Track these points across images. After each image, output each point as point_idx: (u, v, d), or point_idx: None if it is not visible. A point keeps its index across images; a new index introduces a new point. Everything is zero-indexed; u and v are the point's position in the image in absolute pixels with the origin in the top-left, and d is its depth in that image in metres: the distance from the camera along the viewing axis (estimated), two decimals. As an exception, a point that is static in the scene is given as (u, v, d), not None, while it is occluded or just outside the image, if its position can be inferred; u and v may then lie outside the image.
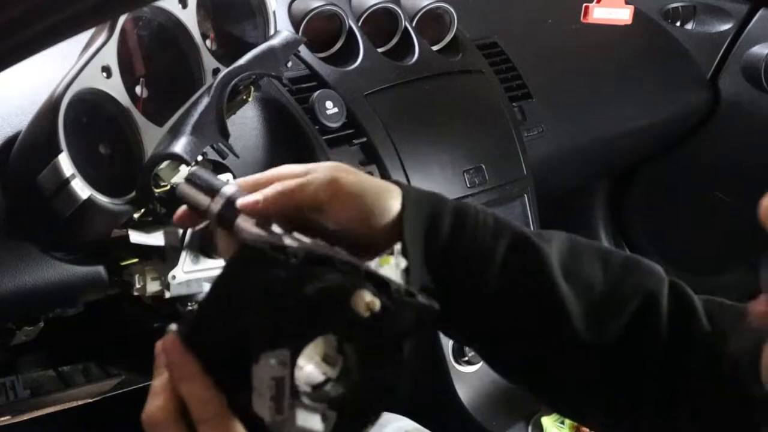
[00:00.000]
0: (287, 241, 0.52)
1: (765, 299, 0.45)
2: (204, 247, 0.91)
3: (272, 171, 0.61)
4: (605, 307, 0.59)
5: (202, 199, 0.60)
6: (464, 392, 1.24)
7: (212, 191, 0.60)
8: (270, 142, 1.09)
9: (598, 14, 1.36)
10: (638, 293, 0.60)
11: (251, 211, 0.58)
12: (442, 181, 1.22)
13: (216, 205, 0.60)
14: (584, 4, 1.35)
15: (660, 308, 0.60)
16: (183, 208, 0.63)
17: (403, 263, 0.53)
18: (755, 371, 0.51)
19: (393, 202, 0.58)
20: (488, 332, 0.61)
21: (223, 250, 0.63)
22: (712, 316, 0.61)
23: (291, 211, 0.58)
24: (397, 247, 0.54)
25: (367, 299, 0.44)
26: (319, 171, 0.59)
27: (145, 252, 0.92)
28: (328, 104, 1.14)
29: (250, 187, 0.60)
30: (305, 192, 0.57)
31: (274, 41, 0.94)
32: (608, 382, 0.60)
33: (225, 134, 0.88)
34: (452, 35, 1.35)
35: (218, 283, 0.47)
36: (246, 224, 0.58)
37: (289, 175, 0.60)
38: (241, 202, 0.58)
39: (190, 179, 0.61)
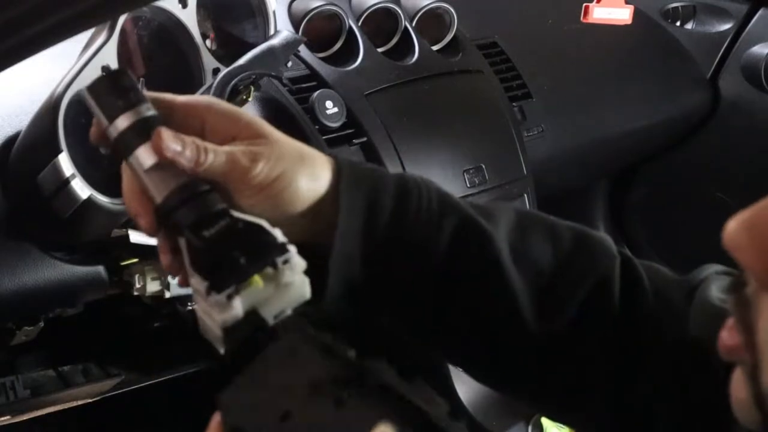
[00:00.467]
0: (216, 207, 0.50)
1: (729, 329, 0.41)
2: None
3: (198, 105, 0.55)
4: (556, 294, 0.58)
5: (107, 110, 0.52)
6: (464, 392, 1.24)
7: (126, 104, 0.52)
8: (270, 142, 1.09)
9: (598, 14, 1.36)
10: (590, 276, 0.58)
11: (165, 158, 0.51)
12: (442, 180, 1.22)
13: (125, 121, 0.52)
14: (584, 4, 1.35)
15: (612, 291, 0.58)
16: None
17: (300, 266, 0.49)
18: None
19: (317, 182, 0.54)
20: (438, 328, 0.59)
21: (125, 187, 0.54)
22: (657, 289, 0.60)
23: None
24: (292, 248, 0.49)
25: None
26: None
27: (145, 252, 0.92)
28: (328, 104, 1.14)
29: (166, 111, 0.54)
30: (205, 166, 0.52)
31: (274, 41, 0.94)
32: (562, 370, 0.58)
33: (225, 134, 0.87)
34: (452, 35, 1.35)
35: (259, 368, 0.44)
36: (147, 158, 0.51)
37: (219, 123, 0.54)
38: (165, 143, 0.51)
39: (100, 83, 0.53)
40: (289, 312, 0.49)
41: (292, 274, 0.48)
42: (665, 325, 0.58)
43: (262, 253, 0.48)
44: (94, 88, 0.53)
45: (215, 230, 0.49)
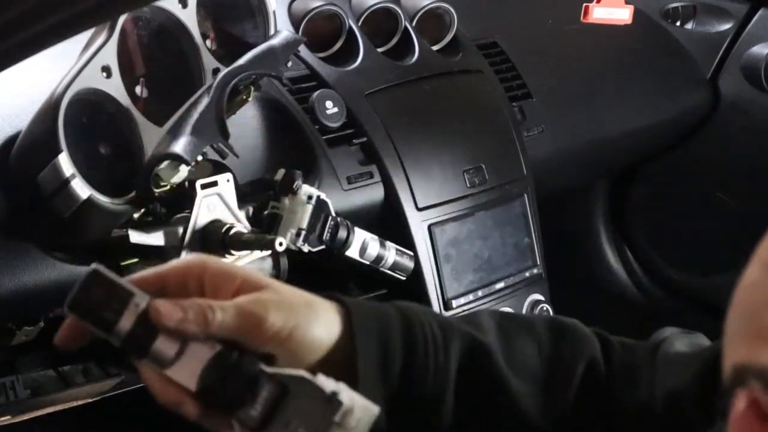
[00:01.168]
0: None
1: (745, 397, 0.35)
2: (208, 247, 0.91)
3: (191, 268, 0.52)
4: (554, 388, 0.59)
5: (100, 323, 0.49)
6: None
7: (119, 301, 0.49)
8: (270, 142, 1.09)
9: (598, 14, 1.35)
10: (579, 362, 0.60)
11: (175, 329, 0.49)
12: (442, 181, 1.22)
13: (127, 322, 0.49)
14: (584, 4, 1.35)
15: (600, 369, 0.60)
16: (67, 324, 0.52)
17: (357, 403, 0.47)
18: (705, 412, 0.51)
19: (330, 330, 0.53)
20: None
21: (152, 384, 0.52)
22: (623, 362, 0.61)
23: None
24: (343, 391, 0.47)
25: None
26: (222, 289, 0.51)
27: (145, 252, 0.92)
28: (328, 104, 1.14)
29: (159, 286, 0.51)
30: (216, 324, 0.49)
31: (274, 41, 0.94)
32: None
33: (225, 134, 0.88)
34: (452, 35, 1.35)
35: None
36: (167, 350, 0.49)
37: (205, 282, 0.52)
38: (165, 314, 0.48)
39: (79, 296, 0.50)
40: None
41: (354, 418, 0.46)
42: (637, 387, 0.60)
43: (321, 418, 0.46)
44: (74, 304, 0.50)
45: (263, 404, 0.47)
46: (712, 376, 0.53)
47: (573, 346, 0.60)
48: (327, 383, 0.47)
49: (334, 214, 0.96)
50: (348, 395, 0.47)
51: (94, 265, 0.50)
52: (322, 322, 0.53)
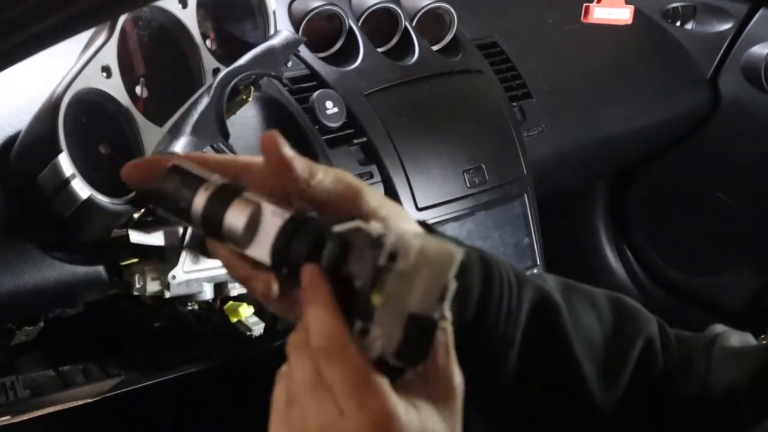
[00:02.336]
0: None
1: None
2: (203, 249, 0.91)
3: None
4: (612, 360, 0.58)
5: (182, 202, 0.50)
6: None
7: (192, 186, 0.50)
8: (270, 142, 1.08)
9: (598, 14, 1.36)
10: (638, 339, 0.59)
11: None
12: (442, 180, 1.22)
13: (199, 203, 0.49)
14: (584, 4, 1.35)
15: (656, 351, 0.60)
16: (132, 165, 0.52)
17: (377, 231, 0.45)
18: (758, 408, 0.52)
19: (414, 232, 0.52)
20: (508, 408, 0.58)
21: (227, 262, 0.52)
22: (679, 350, 0.61)
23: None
24: (386, 234, 0.45)
25: None
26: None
27: (145, 252, 0.92)
28: (328, 104, 1.14)
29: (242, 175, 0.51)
30: (316, 181, 0.49)
31: (274, 41, 0.94)
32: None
33: (225, 134, 0.88)
34: (452, 35, 1.35)
35: None
36: (237, 219, 0.48)
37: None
38: (282, 146, 0.48)
39: (163, 186, 0.50)
40: (451, 288, 0.44)
41: (408, 261, 0.44)
42: (692, 377, 0.59)
43: (370, 264, 0.44)
44: (157, 197, 0.51)
45: (327, 259, 0.46)
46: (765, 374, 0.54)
47: (633, 324, 0.60)
48: (375, 227, 0.46)
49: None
50: (405, 238, 0.44)
51: (172, 162, 0.50)
52: (412, 225, 0.52)
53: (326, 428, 0.42)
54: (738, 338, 0.63)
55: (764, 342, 0.54)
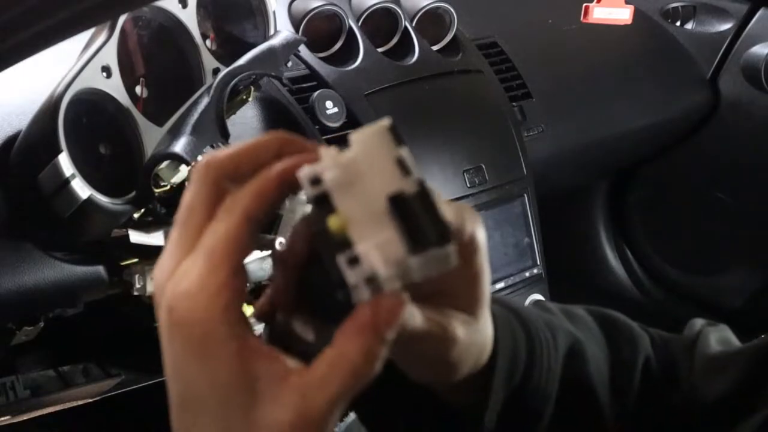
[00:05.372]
0: None
1: None
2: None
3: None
4: (620, 381, 0.56)
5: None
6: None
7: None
8: (270, 142, 1.09)
9: (598, 14, 1.36)
10: (639, 358, 0.58)
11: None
12: (442, 181, 1.22)
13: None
14: (584, 4, 1.35)
15: (653, 366, 0.58)
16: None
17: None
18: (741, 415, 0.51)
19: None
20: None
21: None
22: (664, 349, 0.60)
23: None
24: None
25: None
26: None
27: (145, 252, 0.92)
28: (328, 104, 1.14)
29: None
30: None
31: (274, 41, 0.94)
32: None
33: (225, 134, 0.88)
34: (452, 35, 1.35)
35: None
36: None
37: None
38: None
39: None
40: (405, 156, 0.36)
41: (332, 169, 0.36)
42: (676, 389, 0.59)
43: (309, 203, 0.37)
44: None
45: None
46: (749, 381, 0.53)
47: (630, 346, 0.58)
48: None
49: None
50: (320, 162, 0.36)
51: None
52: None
53: None
54: (717, 337, 0.61)
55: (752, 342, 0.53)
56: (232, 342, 0.36)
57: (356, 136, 0.37)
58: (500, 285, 1.27)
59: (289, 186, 0.38)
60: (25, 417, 1.15)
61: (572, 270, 1.87)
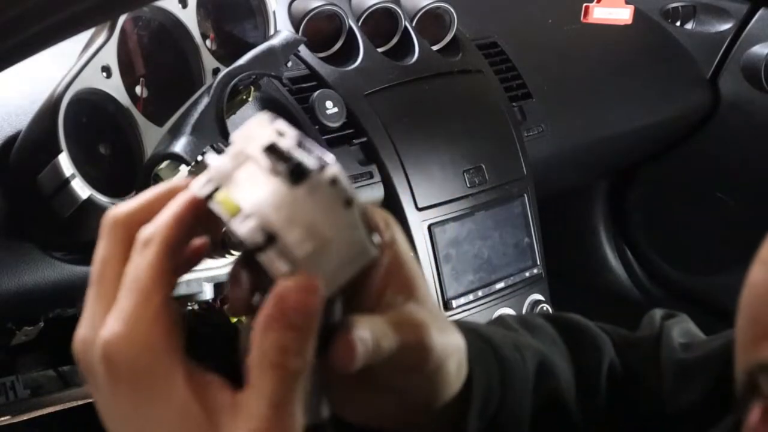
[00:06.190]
0: None
1: (760, 410, 0.35)
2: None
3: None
4: (587, 391, 0.56)
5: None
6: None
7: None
8: (270, 142, 1.09)
9: (598, 14, 1.36)
10: (603, 363, 0.57)
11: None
12: (442, 181, 1.22)
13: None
14: (584, 4, 1.35)
15: (617, 370, 0.58)
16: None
17: None
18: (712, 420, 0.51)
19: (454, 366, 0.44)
20: None
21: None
22: (627, 362, 0.59)
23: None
24: None
25: None
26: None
27: (145, 252, 0.91)
28: (328, 104, 1.14)
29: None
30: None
31: (274, 41, 0.94)
32: None
33: (225, 134, 0.88)
34: (452, 35, 1.35)
35: None
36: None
37: None
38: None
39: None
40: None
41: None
42: (641, 390, 0.58)
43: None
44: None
45: None
46: (718, 387, 0.53)
47: (594, 352, 0.57)
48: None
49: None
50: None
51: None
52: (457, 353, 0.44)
53: None
54: (679, 330, 0.60)
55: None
56: (179, 369, 0.35)
57: (236, 134, 0.38)
58: (500, 285, 1.27)
59: (199, 207, 0.38)
60: (25, 417, 1.15)
61: (572, 270, 1.87)
